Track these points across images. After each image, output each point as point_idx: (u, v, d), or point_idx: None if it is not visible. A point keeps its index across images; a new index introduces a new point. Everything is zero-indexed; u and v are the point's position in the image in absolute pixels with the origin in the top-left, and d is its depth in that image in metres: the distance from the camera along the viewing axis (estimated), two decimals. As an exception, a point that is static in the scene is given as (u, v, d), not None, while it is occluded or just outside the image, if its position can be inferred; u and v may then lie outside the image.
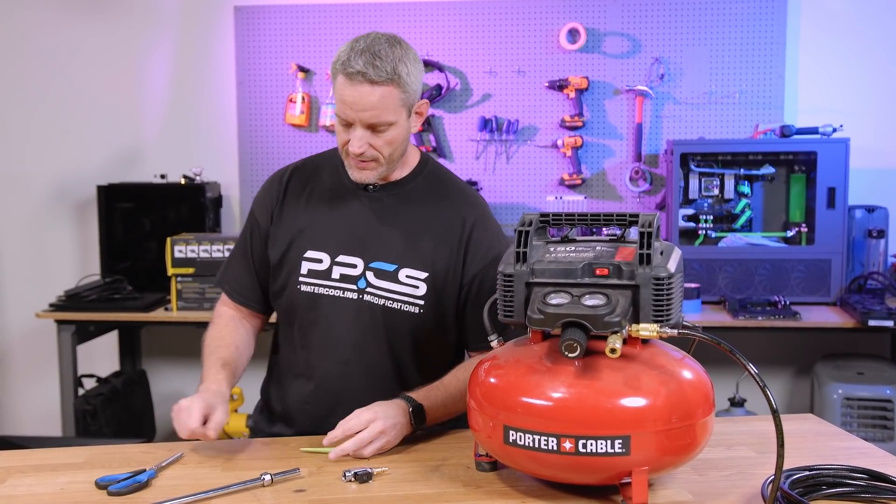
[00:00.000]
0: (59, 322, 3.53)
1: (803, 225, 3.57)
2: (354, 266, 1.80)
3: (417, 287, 1.79)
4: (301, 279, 1.82)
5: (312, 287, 1.81)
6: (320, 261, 1.82)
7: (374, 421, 1.60)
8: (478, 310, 1.74)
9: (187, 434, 1.58)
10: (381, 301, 1.79)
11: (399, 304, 1.79)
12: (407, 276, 1.79)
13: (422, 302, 1.79)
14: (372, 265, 1.79)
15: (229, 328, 1.89)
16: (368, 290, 1.79)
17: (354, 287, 1.80)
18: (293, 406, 1.87)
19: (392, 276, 1.79)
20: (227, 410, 1.66)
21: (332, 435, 1.59)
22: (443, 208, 1.83)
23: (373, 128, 1.70)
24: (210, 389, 1.68)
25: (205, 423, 1.59)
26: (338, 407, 1.76)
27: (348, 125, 1.72)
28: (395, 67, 1.67)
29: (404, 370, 1.83)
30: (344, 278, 1.80)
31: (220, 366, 1.76)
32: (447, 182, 1.90)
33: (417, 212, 1.82)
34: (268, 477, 1.46)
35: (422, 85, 1.79)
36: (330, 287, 1.81)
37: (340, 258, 1.81)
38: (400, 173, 1.84)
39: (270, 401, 1.94)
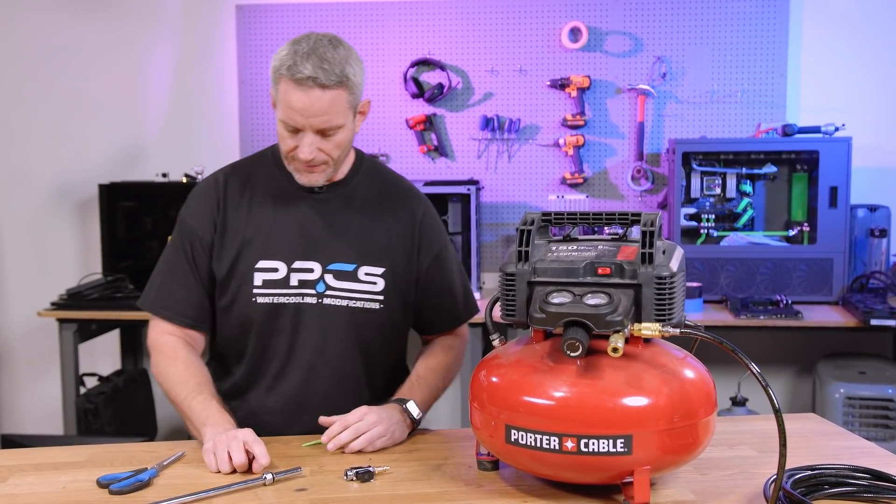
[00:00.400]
0: (61, 321, 3.53)
1: (805, 224, 3.57)
2: (312, 270, 1.78)
3: (376, 283, 1.80)
4: (256, 291, 1.77)
5: (271, 297, 1.77)
6: (276, 269, 1.78)
7: (368, 413, 1.64)
8: (436, 296, 1.87)
9: (233, 469, 1.50)
10: (344, 302, 1.79)
11: (362, 303, 1.80)
12: (366, 274, 1.80)
13: (381, 297, 1.81)
14: (330, 267, 1.79)
15: (193, 360, 1.77)
16: (328, 292, 1.78)
17: (314, 291, 1.78)
18: (256, 418, 1.79)
19: (352, 276, 1.79)
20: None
21: (332, 429, 1.62)
22: (390, 202, 1.86)
23: (322, 133, 1.69)
24: (231, 426, 1.62)
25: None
26: (303, 413, 1.78)
27: (295, 131, 1.69)
28: (343, 70, 1.66)
29: (369, 366, 1.85)
30: (303, 284, 1.78)
31: (217, 404, 1.68)
32: (387, 176, 1.93)
33: (366, 208, 1.83)
34: (269, 476, 1.46)
35: (363, 83, 1.75)
36: (290, 295, 1.77)
37: (297, 264, 1.78)
38: (342, 172, 1.84)
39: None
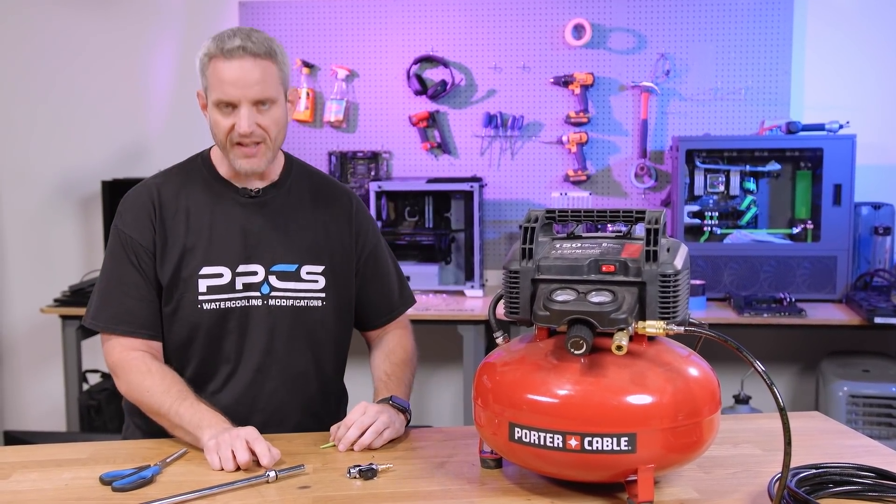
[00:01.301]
0: (64, 317, 3.54)
1: (809, 222, 3.56)
2: (255, 273, 1.79)
3: (317, 281, 1.83)
4: (201, 297, 1.76)
5: (216, 303, 1.76)
6: (220, 275, 1.77)
7: (368, 407, 1.65)
8: (376, 287, 1.91)
9: (237, 467, 1.50)
10: (289, 302, 1.80)
11: (306, 302, 1.81)
12: (308, 273, 1.82)
13: (323, 294, 1.83)
14: (273, 269, 1.80)
15: (166, 370, 1.74)
16: (273, 294, 1.79)
17: (258, 294, 1.78)
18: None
19: (295, 276, 1.81)
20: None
21: (349, 435, 1.62)
22: (325, 199, 1.89)
23: (258, 104, 1.70)
24: (229, 425, 1.62)
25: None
26: (252, 413, 1.79)
27: (231, 109, 1.70)
28: (269, 45, 1.71)
29: (317, 363, 1.86)
30: (247, 287, 1.78)
31: (207, 407, 1.67)
32: (317, 175, 1.95)
33: (302, 208, 1.85)
34: (272, 474, 1.46)
35: (289, 73, 1.79)
36: (236, 299, 1.77)
37: (240, 268, 1.78)
38: (275, 171, 1.85)
39: (152, 423, 1.77)
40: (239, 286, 1.78)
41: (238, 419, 1.70)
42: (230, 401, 1.79)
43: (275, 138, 1.75)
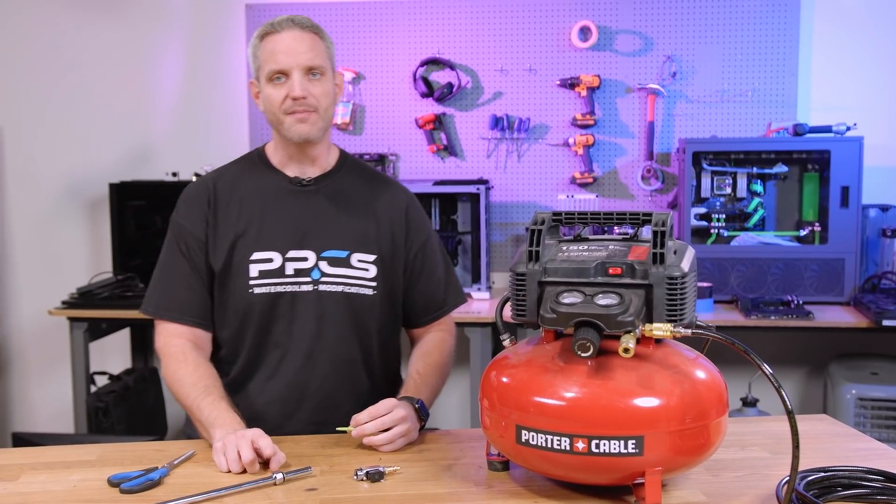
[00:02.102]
0: (72, 319, 3.55)
1: (816, 224, 3.55)
2: (306, 259, 1.82)
3: (368, 270, 1.85)
4: (252, 282, 1.80)
5: (268, 287, 1.81)
6: (271, 260, 1.81)
7: (397, 407, 1.65)
8: (423, 284, 1.92)
9: (243, 468, 1.50)
10: (339, 288, 1.83)
11: (356, 289, 1.84)
12: (358, 261, 1.85)
13: (374, 283, 1.85)
14: (324, 255, 1.83)
15: (202, 362, 1.78)
16: (323, 279, 1.82)
17: (309, 279, 1.82)
18: (257, 408, 1.83)
19: (345, 262, 1.84)
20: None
21: (358, 417, 1.62)
22: (377, 193, 1.92)
23: (309, 73, 1.77)
24: (240, 426, 1.62)
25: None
26: (304, 400, 1.83)
27: (283, 79, 1.77)
28: (314, 23, 1.82)
29: (365, 351, 1.88)
30: (298, 273, 1.82)
31: (227, 405, 1.68)
32: (370, 170, 2.01)
33: (354, 199, 1.89)
34: (280, 476, 1.46)
35: (334, 58, 1.87)
36: (286, 284, 1.81)
37: (291, 254, 1.82)
38: (328, 164, 1.90)
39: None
40: (290, 271, 1.81)
41: (290, 405, 1.77)
42: (282, 386, 1.83)
43: (325, 109, 1.81)
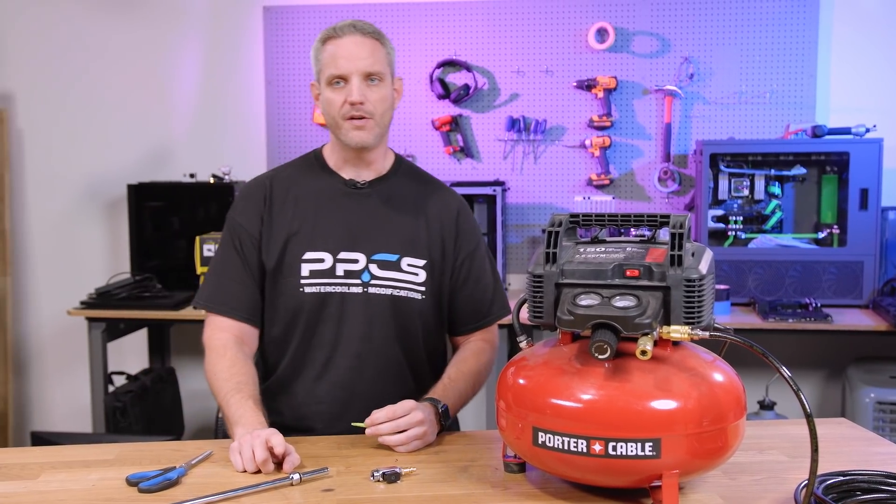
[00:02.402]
0: (90, 319, 3.57)
1: (835, 226, 3.53)
2: (356, 261, 1.84)
3: (417, 274, 1.86)
4: (303, 281, 1.83)
5: (318, 287, 1.83)
6: (322, 260, 1.84)
7: (415, 410, 1.64)
8: (468, 292, 1.92)
9: (256, 468, 1.50)
10: (388, 291, 1.84)
11: (405, 292, 1.85)
12: (408, 265, 1.86)
13: (423, 288, 1.87)
14: (374, 257, 1.84)
15: (239, 358, 1.79)
16: (373, 282, 1.83)
17: (359, 281, 1.83)
18: (305, 409, 1.86)
19: (395, 266, 1.85)
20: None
21: (376, 416, 1.63)
22: (429, 198, 1.93)
23: (368, 78, 1.80)
24: (260, 426, 1.62)
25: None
26: (352, 400, 1.83)
27: (342, 83, 1.80)
28: (377, 29, 1.85)
29: (412, 354, 1.89)
30: (348, 274, 1.83)
31: (253, 404, 1.68)
32: (424, 175, 2.01)
33: (406, 204, 1.90)
34: (297, 476, 1.47)
35: (395, 63, 1.90)
36: (336, 284, 1.83)
37: (342, 255, 1.84)
38: (383, 168, 1.92)
39: (268, 415, 1.78)
40: (340, 272, 1.83)
41: (337, 406, 1.80)
42: (330, 387, 1.84)
43: (382, 115, 1.83)
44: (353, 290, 1.83)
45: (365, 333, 1.84)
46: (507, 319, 2.00)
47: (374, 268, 1.84)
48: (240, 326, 1.85)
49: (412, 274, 1.86)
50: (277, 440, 1.52)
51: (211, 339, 1.83)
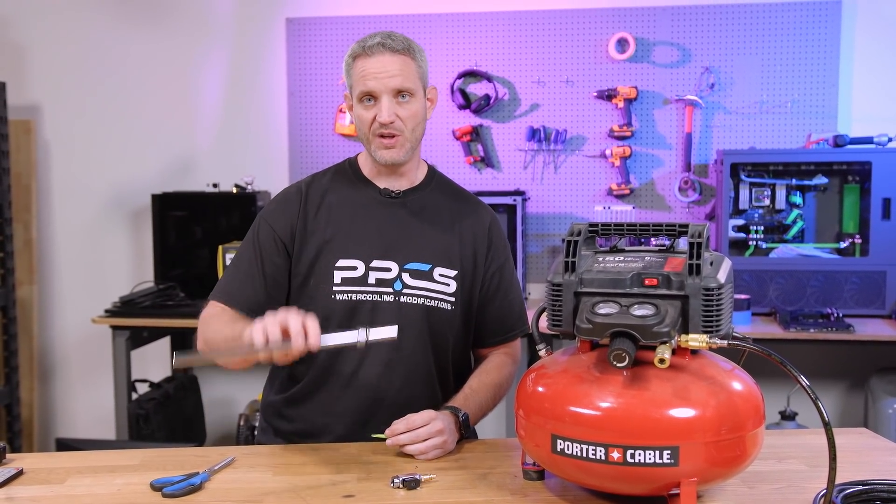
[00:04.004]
0: (114, 328, 3.61)
1: (857, 236, 3.51)
2: (389, 270, 1.84)
3: (449, 285, 1.87)
4: (335, 288, 1.83)
5: (349, 294, 1.83)
6: (355, 268, 1.84)
7: (435, 420, 1.66)
8: (496, 305, 1.92)
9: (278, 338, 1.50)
10: (421, 301, 1.84)
11: (436, 302, 1.86)
12: (440, 275, 1.86)
13: (453, 299, 1.87)
14: (407, 267, 1.85)
15: (238, 316, 1.77)
16: (405, 291, 1.84)
17: (391, 290, 1.84)
18: (330, 417, 1.86)
19: (427, 276, 1.85)
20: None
21: (395, 426, 1.65)
22: (462, 210, 1.95)
23: (398, 95, 1.80)
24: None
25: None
26: (379, 408, 1.83)
27: (372, 100, 1.81)
28: (408, 42, 1.84)
29: (440, 365, 1.89)
30: (380, 282, 1.84)
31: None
32: (457, 187, 2.03)
33: (439, 215, 1.91)
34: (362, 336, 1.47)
35: (428, 72, 1.90)
36: (368, 293, 1.83)
37: (375, 263, 1.84)
38: (416, 179, 1.94)
39: (292, 421, 1.90)
40: (372, 280, 1.84)
41: (365, 413, 1.81)
42: (358, 394, 1.84)
43: (412, 130, 1.84)
44: (385, 298, 1.83)
45: (395, 342, 1.80)
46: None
47: (406, 277, 1.84)
48: (234, 314, 1.81)
49: (444, 284, 1.86)
50: (312, 323, 1.51)
51: (205, 314, 1.83)
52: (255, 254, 1.87)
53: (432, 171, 1.99)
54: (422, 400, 1.81)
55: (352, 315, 1.83)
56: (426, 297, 1.85)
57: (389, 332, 1.53)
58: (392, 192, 1.90)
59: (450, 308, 1.87)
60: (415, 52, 1.85)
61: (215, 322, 1.79)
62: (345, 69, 1.87)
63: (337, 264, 1.84)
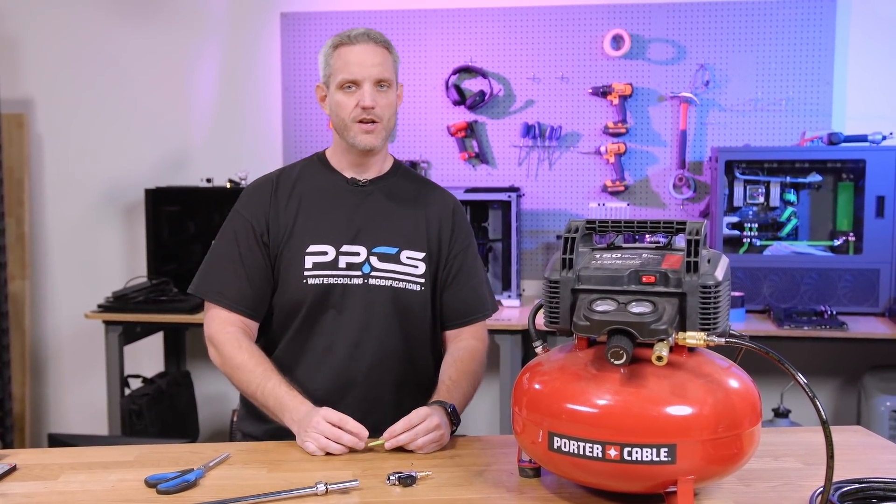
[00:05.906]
0: (107, 323, 3.60)
1: (851, 234, 3.52)
2: (358, 254, 1.90)
3: (417, 266, 1.93)
4: (307, 273, 1.88)
5: (320, 279, 1.88)
6: (325, 253, 1.90)
7: (431, 416, 1.69)
8: (456, 288, 1.98)
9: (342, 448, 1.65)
10: (388, 283, 1.90)
11: (404, 284, 1.91)
12: (407, 258, 1.93)
13: (422, 280, 1.93)
14: (375, 250, 1.91)
15: (255, 349, 1.87)
16: (373, 273, 1.90)
17: (360, 273, 1.89)
18: (303, 395, 1.87)
19: (394, 258, 1.91)
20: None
21: (394, 428, 1.67)
22: (427, 196, 2.02)
23: (378, 84, 1.87)
24: (303, 406, 1.75)
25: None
26: (351, 389, 1.89)
27: (354, 88, 1.87)
28: (385, 38, 1.94)
29: (410, 345, 1.94)
30: (349, 266, 1.89)
31: (286, 385, 1.79)
32: (420, 177, 2.14)
33: (406, 200, 1.98)
34: (322, 486, 1.45)
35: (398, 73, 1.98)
36: (338, 276, 1.89)
37: (345, 248, 1.90)
38: (383, 169, 2.00)
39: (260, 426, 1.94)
40: (342, 264, 1.89)
41: (335, 394, 1.85)
42: (328, 375, 1.89)
43: (388, 120, 1.91)
44: (355, 281, 1.89)
45: (364, 323, 1.89)
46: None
47: (374, 260, 1.90)
48: (244, 321, 1.91)
49: (412, 266, 1.92)
50: (353, 426, 1.66)
51: (220, 333, 1.88)
52: (237, 248, 1.92)
53: (398, 163, 2.05)
54: (391, 379, 1.90)
55: (323, 298, 1.89)
56: (394, 278, 1.90)
57: None
58: (359, 180, 1.96)
59: (420, 289, 1.92)
60: (391, 48, 1.94)
61: (237, 364, 1.85)
62: (322, 59, 1.93)
63: (308, 250, 1.90)
